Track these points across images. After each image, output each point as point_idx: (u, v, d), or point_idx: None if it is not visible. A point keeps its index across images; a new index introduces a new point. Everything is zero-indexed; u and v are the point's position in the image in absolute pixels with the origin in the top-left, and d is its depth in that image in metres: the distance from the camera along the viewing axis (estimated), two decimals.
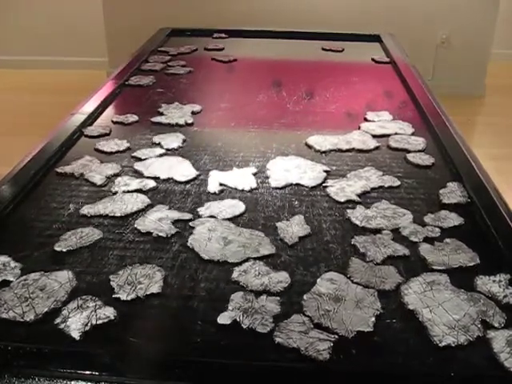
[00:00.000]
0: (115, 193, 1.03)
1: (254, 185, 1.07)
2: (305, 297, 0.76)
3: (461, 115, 2.44)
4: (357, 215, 0.97)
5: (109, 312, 0.73)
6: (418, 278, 0.80)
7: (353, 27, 2.63)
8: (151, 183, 1.07)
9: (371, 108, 1.48)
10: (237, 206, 1.00)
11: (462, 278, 0.80)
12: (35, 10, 4.00)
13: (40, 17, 4.01)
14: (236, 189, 1.06)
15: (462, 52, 3.52)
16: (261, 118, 1.43)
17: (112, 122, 1.38)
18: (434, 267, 0.82)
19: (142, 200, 1.01)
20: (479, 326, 0.71)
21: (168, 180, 1.09)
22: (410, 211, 0.98)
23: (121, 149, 1.21)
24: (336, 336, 0.68)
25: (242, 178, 1.10)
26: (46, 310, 0.73)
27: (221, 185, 1.07)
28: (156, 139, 1.27)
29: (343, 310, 0.73)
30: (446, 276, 0.81)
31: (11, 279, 0.79)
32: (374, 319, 0.72)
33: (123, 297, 0.76)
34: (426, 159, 1.18)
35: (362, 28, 2.43)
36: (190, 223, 0.93)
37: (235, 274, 0.81)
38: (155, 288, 0.78)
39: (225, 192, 1.05)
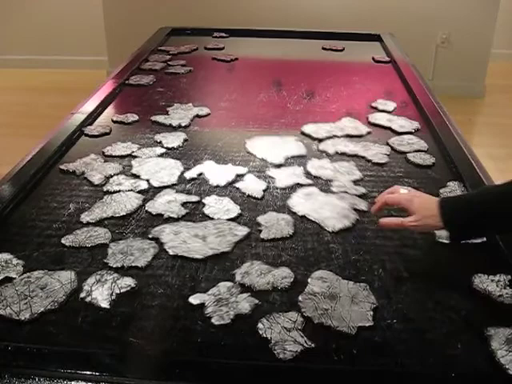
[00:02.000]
0: (107, 192, 1.03)
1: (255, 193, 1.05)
2: (300, 297, 0.76)
3: (461, 115, 2.43)
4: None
5: (129, 281, 0.77)
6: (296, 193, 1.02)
7: (353, 27, 2.62)
8: (143, 184, 1.06)
9: (371, 108, 1.47)
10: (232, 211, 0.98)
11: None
12: (35, 9, 3.99)
13: (40, 17, 4.00)
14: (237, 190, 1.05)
15: (462, 52, 3.51)
16: (261, 117, 1.43)
17: (112, 121, 1.37)
18: None
19: (138, 198, 1.01)
20: (354, 212, 0.96)
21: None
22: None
23: (128, 152, 1.20)
24: (313, 345, 0.67)
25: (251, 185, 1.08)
26: (41, 309, 0.72)
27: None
28: (157, 138, 1.27)
29: (340, 308, 0.74)
30: (315, 188, 1.04)
31: (14, 276, 0.79)
32: (372, 313, 0.72)
33: (111, 263, 0.81)
34: (426, 159, 1.18)
35: (363, 27, 2.43)
36: (151, 235, 0.90)
37: (238, 277, 0.79)
38: (141, 262, 0.81)
39: (225, 192, 1.05)
